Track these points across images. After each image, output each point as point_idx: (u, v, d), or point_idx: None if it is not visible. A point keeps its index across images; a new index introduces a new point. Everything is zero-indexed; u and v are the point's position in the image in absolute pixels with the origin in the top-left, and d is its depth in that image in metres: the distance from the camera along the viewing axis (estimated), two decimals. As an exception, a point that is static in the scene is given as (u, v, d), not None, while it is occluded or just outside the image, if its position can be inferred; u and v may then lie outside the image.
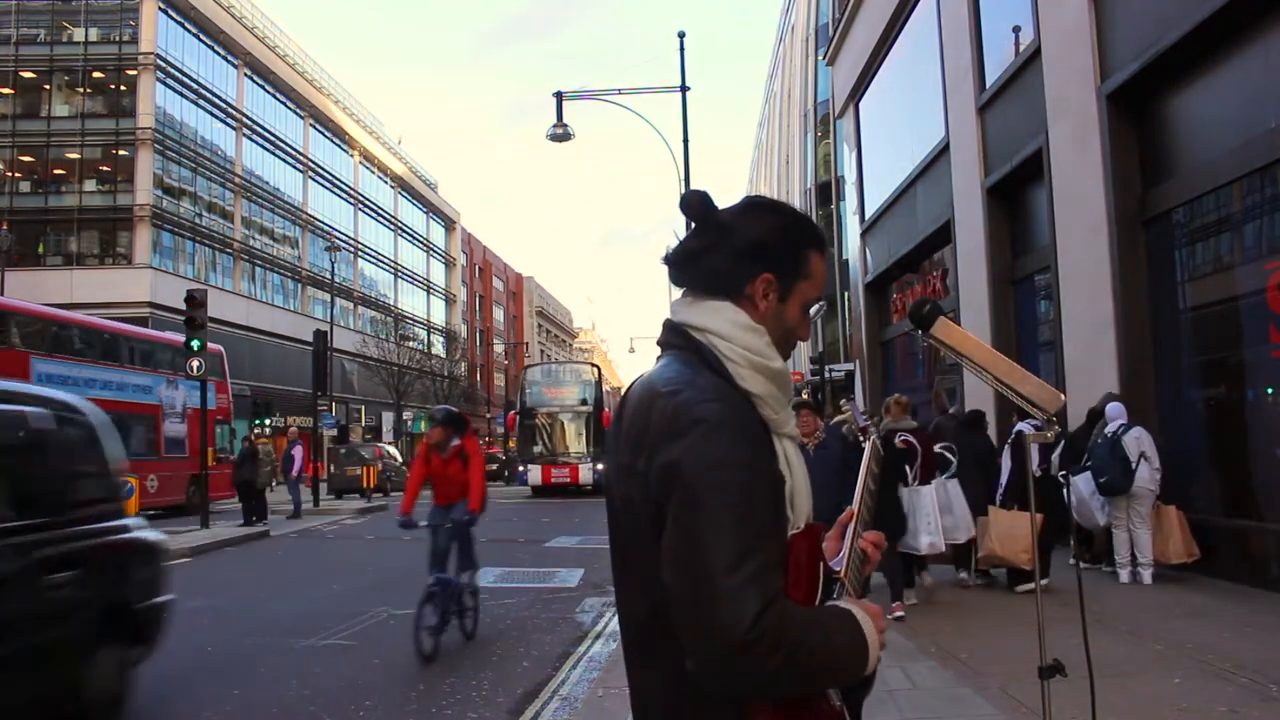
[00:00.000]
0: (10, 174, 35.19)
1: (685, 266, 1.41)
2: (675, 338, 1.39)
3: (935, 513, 7.09)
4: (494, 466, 34.47)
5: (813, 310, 1.47)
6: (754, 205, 1.43)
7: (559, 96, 16.65)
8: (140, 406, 19.48)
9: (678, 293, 1.45)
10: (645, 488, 1.26)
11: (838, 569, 1.40)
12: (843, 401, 2.52)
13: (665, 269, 1.45)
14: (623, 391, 1.46)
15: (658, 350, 1.45)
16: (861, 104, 18.92)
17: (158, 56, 34.55)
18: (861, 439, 1.78)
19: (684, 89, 16.45)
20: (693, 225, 1.41)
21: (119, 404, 17.72)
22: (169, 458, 20.12)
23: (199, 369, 15.15)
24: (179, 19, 36.25)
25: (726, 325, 1.34)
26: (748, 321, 1.35)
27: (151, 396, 20.27)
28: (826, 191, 34.66)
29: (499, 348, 74.27)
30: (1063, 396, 2.21)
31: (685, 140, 16.18)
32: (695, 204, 1.39)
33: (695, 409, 1.23)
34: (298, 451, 18.76)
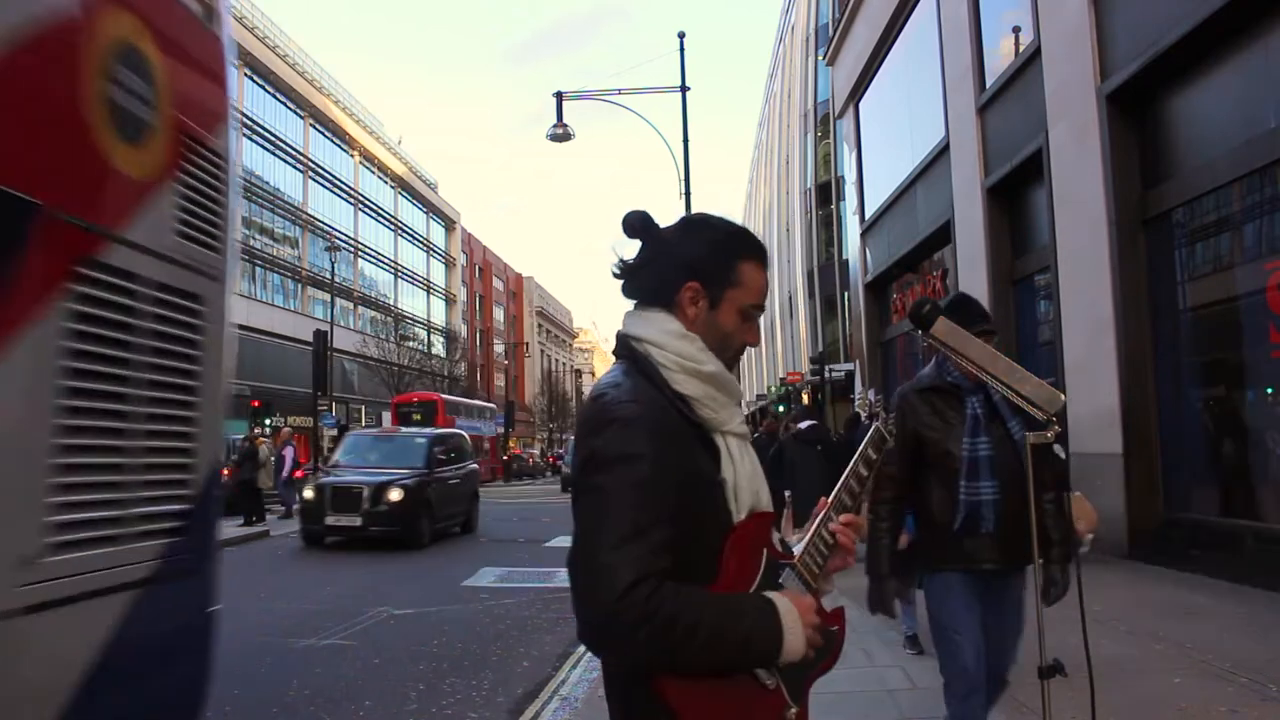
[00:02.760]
0: (10, 174, 35.18)
1: (629, 279, 1.55)
2: (620, 348, 1.53)
3: None
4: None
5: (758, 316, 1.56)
6: (690, 222, 1.57)
7: (559, 96, 16.67)
8: (479, 437, 36.64)
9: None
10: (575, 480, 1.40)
11: (795, 554, 1.47)
12: (859, 396, 2.56)
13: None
14: None
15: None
16: (861, 104, 18.92)
17: (158, 56, 34.54)
18: (873, 421, 1.78)
19: (684, 89, 16.47)
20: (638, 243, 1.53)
21: (475, 436, 34.41)
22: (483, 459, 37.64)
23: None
24: (179, 19, 36.24)
25: (659, 333, 1.47)
26: (679, 329, 1.47)
27: (480, 431, 38.71)
28: (826, 191, 34.65)
29: (499, 348, 74.27)
30: (1063, 396, 2.21)
31: (685, 140, 16.21)
32: (635, 223, 1.51)
33: (613, 409, 1.37)
34: (289, 452, 18.84)
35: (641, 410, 1.36)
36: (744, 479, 1.43)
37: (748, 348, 1.56)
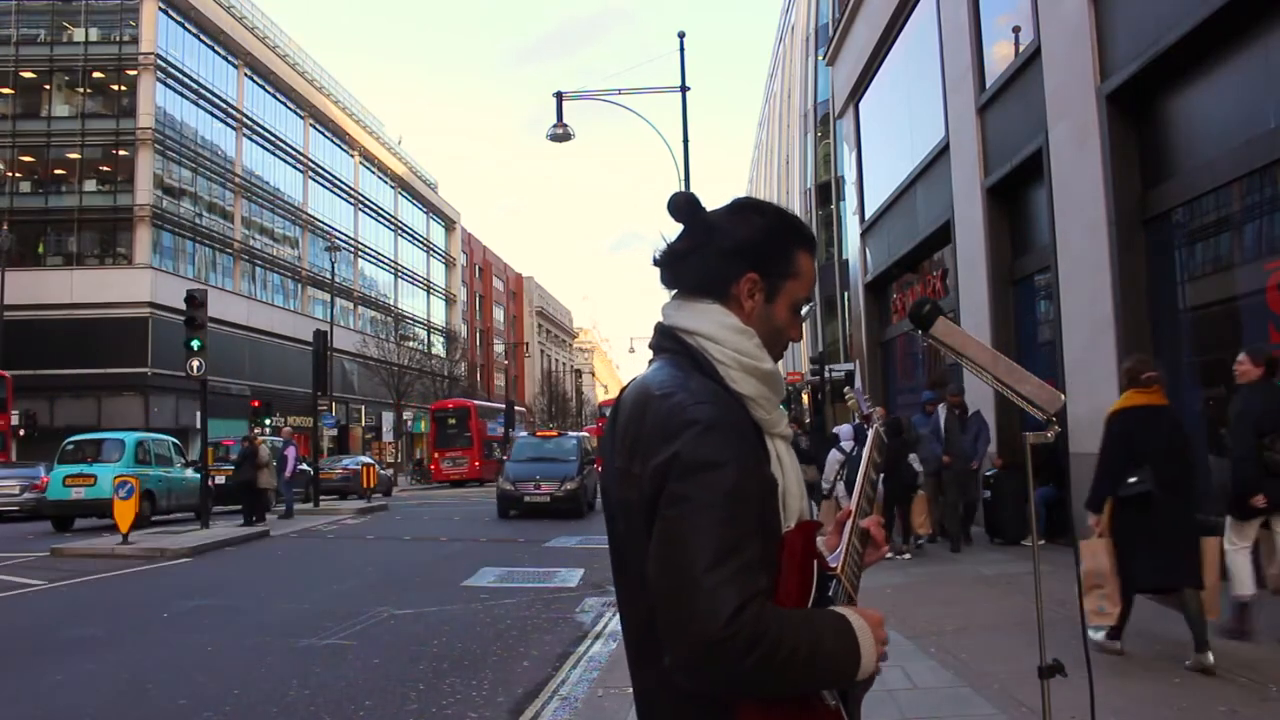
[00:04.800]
0: (10, 174, 35.19)
1: (673, 266, 1.42)
2: (667, 341, 1.41)
3: None
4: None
5: (804, 310, 1.47)
6: (741, 206, 1.45)
7: (559, 96, 16.69)
8: (497, 436, 38.77)
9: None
10: (641, 489, 1.27)
11: (835, 565, 1.40)
12: (845, 389, 2.52)
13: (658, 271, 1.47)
14: (616, 395, 1.47)
15: (650, 354, 1.47)
16: (861, 104, 18.92)
17: (158, 56, 34.54)
18: (865, 426, 1.79)
19: (684, 89, 16.48)
20: (681, 227, 1.42)
21: (495, 436, 39.02)
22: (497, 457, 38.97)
23: (199, 369, 15.17)
24: (179, 19, 36.24)
25: (716, 328, 1.36)
26: (737, 324, 1.36)
27: (495, 430, 40.25)
28: (826, 191, 34.66)
29: (499, 348, 74.28)
30: (1062, 396, 2.21)
31: (685, 140, 16.21)
32: (682, 205, 1.40)
33: (689, 410, 1.25)
34: (291, 452, 18.90)
35: (720, 412, 1.26)
36: (793, 485, 1.34)
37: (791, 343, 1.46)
